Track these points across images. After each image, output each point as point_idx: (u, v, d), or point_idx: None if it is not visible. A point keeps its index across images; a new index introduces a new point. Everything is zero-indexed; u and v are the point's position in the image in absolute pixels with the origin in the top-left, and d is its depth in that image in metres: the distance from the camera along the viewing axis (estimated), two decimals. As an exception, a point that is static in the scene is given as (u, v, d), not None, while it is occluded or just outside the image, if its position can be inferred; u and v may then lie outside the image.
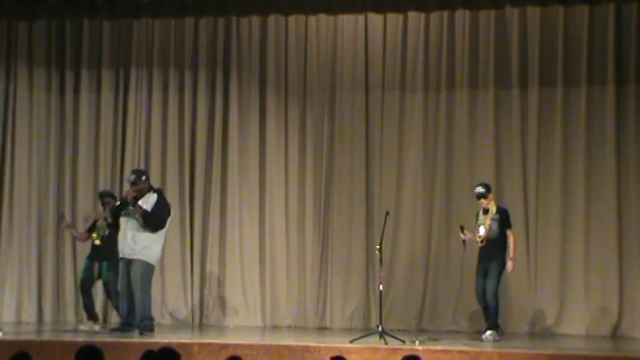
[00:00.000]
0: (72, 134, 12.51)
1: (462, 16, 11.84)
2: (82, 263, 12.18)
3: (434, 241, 11.74)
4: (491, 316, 10.14)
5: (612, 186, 11.25)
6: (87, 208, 12.31)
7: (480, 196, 10.36)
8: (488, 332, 10.06)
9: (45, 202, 12.38)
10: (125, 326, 10.29)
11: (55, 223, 12.29)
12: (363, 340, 9.65)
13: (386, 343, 9.43)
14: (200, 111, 12.38)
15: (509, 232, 10.25)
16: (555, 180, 11.46)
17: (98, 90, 12.54)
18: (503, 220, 10.26)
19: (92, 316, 11.06)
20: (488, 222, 10.22)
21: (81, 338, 9.70)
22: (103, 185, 12.29)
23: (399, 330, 10.92)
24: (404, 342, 9.54)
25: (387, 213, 10.49)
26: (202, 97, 12.39)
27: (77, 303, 12.19)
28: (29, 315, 12.12)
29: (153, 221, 10.16)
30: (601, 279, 11.22)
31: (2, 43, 12.59)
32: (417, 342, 9.58)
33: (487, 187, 10.45)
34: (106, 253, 10.83)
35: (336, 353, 5.61)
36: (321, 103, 12.20)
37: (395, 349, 9.01)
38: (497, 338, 9.99)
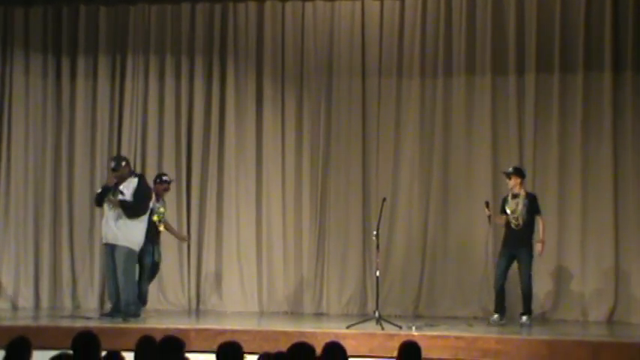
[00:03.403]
0: (68, 120, 12.49)
1: (459, 1, 11.81)
2: (79, 249, 12.24)
3: (431, 227, 11.75)
4: (526, 300, 10.32)
5: (609, 172, 11.26)
6: (83, 193, 12.29)
7: (506, 175, 10.51)
8: (525, 317, 10.26)
9: (41, 188, 12.37)
10: (116, 312, 10.32)
11: (51, 209, 12.29)
12: (359, 325, 9.68)
13: (382, 329, 9.45)
14: (197, 97, 12.37)
15: (538, 218, 10.37)
16: (552, 166, 11.47)
17: (94, 76, 12.51)
18: (532, 205, 10.36)
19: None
20: (520, 207, 10.29)
21: (78, 324, 9.73)
22: (100, 172, 12.28)
23: (396, 316, 10.92)
24: (401, 328, 9.57)
25: (384, 199, 10.53)
26: (199, 83, 12.37)
27: (74, 289, 12.22)
28: (26, 301, 12.12)
29: (132, 209, 10.22)
30: (597, 265, 11.25)
31: (-2, 29, 12.59)
32: (413, 328, 9.61)
33: (515, 169, 10.60)
34: (157, 235, 10.93)
35: (332, 339, 5.60)
36: (318, 90, 12.18)
37: (391, 335, 9.04)
38: (528, 322, 10.21)
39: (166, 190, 11.11)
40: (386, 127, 11.97)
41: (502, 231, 10.54)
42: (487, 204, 10.49)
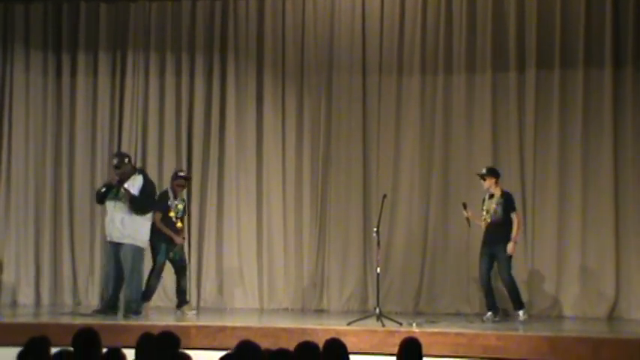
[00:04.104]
0: (69, 117, 12.49)
1: (460, -2, 11.83)
2: (79, 246, 12.24)
3: (431, 223, 11.75)
4: (513, 298, 10.35)
5: (609, 169, 11.25)
6: (84, 191, 12.29)
7: (480, 177, 10.50)
8: (521, 313, 10.30)
9: (42, 185, 12.37)
10: (109, 309, 10.32)
11: (51, 206, 12.29)
12: (360, 322, 9.68)
13: (383, 326, 9.45)
14: (197, 94, 12.36)
15: (513, 216, 10.36)
16: (552, 163, 11.46)
17: (95, 73, 12.50)
18: (508, 203, 10.37)
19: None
20: (493, 206, 10.33)
21: (78, 321, 9.73)
22: (100, 169, 12.28)
23: (397, 312, 10.91)
24: (401, 324, 9.56)
25: (384, 196, 10.53)
26: (199, 80, 12.36)
27: (75, 286, 12.22)
28: (27, 298, 12.12)
29: (142, 205, 10.21)
30: (598, 261, 11.25)
31: (-1, 25, 12.58)
32: (414, 324, 9.61)
33: (489, 169, 10.58)
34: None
35: (333, 336, 5.60)
36: (319, 86, 12.18)
37: (392, 332, 9.05)
38: (525, 316, 10.25)
39: (180, 186, 11.03)
40: (386, 123, 11.97)
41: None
42: (465, 206, 10.52)
